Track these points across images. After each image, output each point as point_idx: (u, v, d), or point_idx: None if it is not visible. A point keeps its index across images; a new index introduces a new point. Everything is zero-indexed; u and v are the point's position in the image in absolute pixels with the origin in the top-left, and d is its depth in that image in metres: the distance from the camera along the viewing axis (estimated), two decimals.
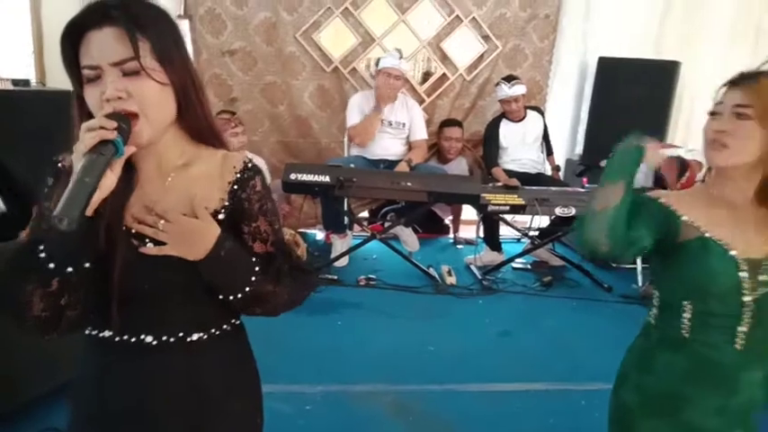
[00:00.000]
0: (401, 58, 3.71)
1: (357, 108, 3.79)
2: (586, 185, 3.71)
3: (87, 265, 0.84)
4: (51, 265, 0.81)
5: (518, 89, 3.87)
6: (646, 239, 1.07)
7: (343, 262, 3.69)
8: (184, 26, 3.95)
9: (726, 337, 1.06)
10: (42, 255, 0.81)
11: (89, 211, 0.77)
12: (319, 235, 4.19)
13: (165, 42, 0.86)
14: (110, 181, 0.79)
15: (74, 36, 0.83)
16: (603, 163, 3.72)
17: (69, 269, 0.82)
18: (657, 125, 4.00)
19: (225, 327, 0.98)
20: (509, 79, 3.90)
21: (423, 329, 2.92)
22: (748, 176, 1.04)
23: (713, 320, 1.07)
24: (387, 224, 3.89)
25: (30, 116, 2.83)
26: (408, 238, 3.87)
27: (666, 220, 1.08)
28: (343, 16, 4.09)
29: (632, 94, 3.97)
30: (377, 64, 3.77)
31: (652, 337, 1.17)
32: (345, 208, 3.68)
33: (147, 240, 0.88)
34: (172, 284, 0.91)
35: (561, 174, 4.35)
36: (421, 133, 3.91)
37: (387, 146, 3.82)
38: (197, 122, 0.93)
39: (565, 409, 2.31)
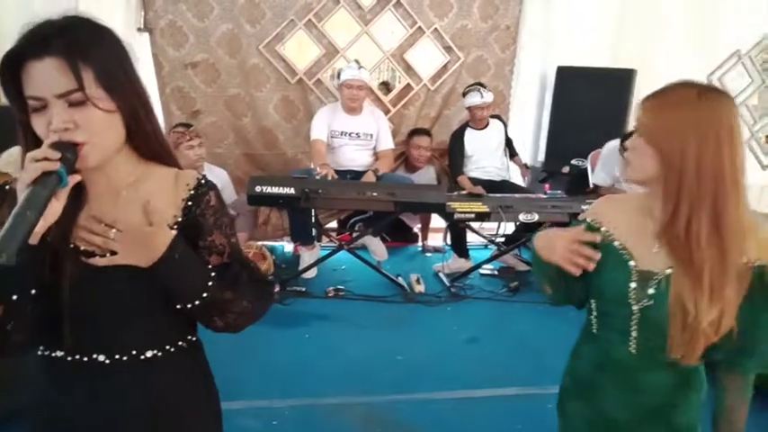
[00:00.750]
0: (360, 67, 3.73)
1: (322, 122, 3.80)
2: (548, 192, 3.80)
3: (33, 291, 0.84)
4: None
5: (489, 96, 3.95)
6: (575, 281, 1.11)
7: (312, 273, 3.67)
8: (144, 40, 3.91)
9: (622, 339, 1.10)
10: None
11: (33, 240, 0.77)
12: (287, 247, 4.16)
13: (110, 68, 0.84)
14: (54, 209, 0.79)
15: (14, 66, 0.81)
16: (566, 169, 3.84)
17: (14, 297, 0.82)
18: (615, 131, 4.10)
19: (180, 343, 0.98)
20: (481, 86, 3.97)
21: (392, 339, 2.93)
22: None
23: (610, 321, 1.12)
24: (355, 234, 3.89)
25: None
26: (377, 247, 3.88)
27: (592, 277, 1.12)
28: (307, 28, 4.10)
29: (591, 102, 4.08)
30: (338, 77, 3.78)
31: (584, 327, 1.23)
32: (313, 219, 3.67)
33: (99, 256, 0.88)
34: (123, 301, 0.90)
35: (526, 181, 4.44)
36: (387, 143, 3.93)
37: (354, 157, 3.83)
38: (147, 142, 0.92)
39: (532, 413, 2.33)
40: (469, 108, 3.99)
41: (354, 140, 3.84)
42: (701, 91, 1.02)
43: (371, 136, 3.88)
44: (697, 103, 1.00)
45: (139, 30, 3.88)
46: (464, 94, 4.02)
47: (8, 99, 0.84)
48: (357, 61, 3.82)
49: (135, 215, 0.89)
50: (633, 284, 1.06)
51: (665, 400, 1.10)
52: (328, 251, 3.72)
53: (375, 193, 3.36)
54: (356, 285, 3.54)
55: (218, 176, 3.64)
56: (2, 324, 0.83)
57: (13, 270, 0.77)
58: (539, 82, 4.52)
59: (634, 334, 1.08)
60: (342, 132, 3.81)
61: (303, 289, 3.44)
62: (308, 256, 3.73)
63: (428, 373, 2.60)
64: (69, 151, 0.80)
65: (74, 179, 0.81)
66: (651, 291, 1.05)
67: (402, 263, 4.06)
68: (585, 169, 4.04)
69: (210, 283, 0.91)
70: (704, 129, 0.99)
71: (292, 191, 3.21)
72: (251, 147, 4.22)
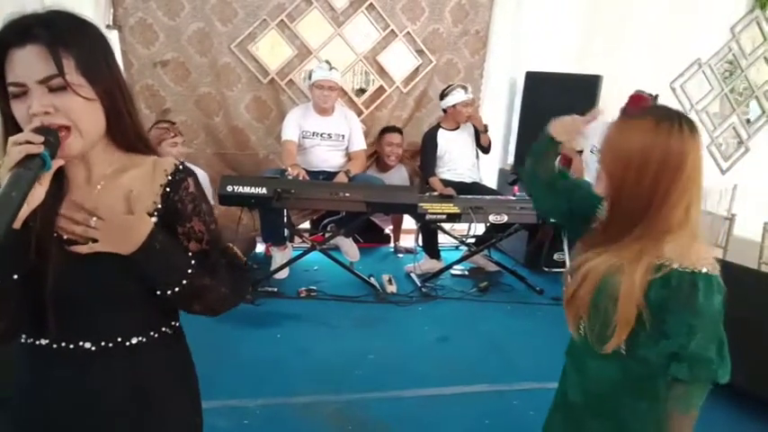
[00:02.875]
0: (331, 68, 3.74)
1: (294, 123, 3.79)
2: (517, 194, 3.87)
3: (15, 276, 0.85)
4: None
5: (471, 95, 4.02)
6: (564, 192, 1.25)
7: (284, 274, 3.67)
8: (113, 37, 3.85)
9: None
10: None
11: (17, 224, 0.78)
12: (259, 247, 4.14)
13: (91, 57, 0.86)
14: (38, 194, 0.80)
15: None
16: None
17: None
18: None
19: (164, 329, 1.00)
20: (461, 85, 4.00)
21: (363, 338, 2.95)
22: None
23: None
24: (327, 235, 3.89)
25: None
26: (349, 248, 3.90)
27: (591, 199, 1.20)
28: (279, 28, 4.09)
29: (558, 106, 4.09)
30: (309, 77, 3.79)
31: None
32: (285, 220, 3.67)
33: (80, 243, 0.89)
34: (108, 288, 0.92)
35: (495, 182, 4.52)
36: (359, 144, 3.96)
37: (326, 157, 3.84)
38: (126, 133, 0.94)
39: (500, 409, 2.40)
40: (453, 106, 3.98)
41: (326, 141, 3.85)
42: (660, 120, 1.04)
43: (343, 137, 3.89)
44: (652, 130, 1.03)
45: (108, 27, 3.81)
46: (445, 95, 4.01)
47: None
48: (328, 62, 3.83)
49: (115, 203, 0.91)
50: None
51: (610, 392, 1.13)
52: (300, 252, 3.72)
53: (348, 194, 3.37)
54: (328, 286, 3.55)
55: (198, 175, 3.61)
56: None
57: None
58: (508, 86, 4.61)
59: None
60: (313, 133, 3.82)
61: (275, 289, 3.44)
62: (279, 256, 3.72)
63: (399, 371, 2.63)
64: (52, 136, 0.81)
65: (57, 163, 0.82)
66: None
67: (374, 263, 4.09)
68: None
69: (190, 270, 0.92)
70: (647, 156, 1.02)
71: (264, 191, 3.20)
72: (222, 146, 4.19)
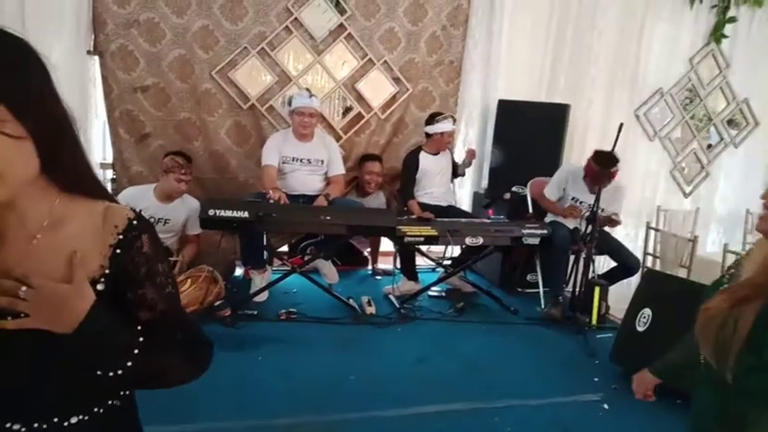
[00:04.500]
0: (311, 96, 3.84)
1: (274, 149, 3.86)
2: (491, 216, 4.00)
3: None
4: None
5: (455, 126, 4.23)
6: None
7: (264, 297, 3.69)
8: (94, 63, 3.89)
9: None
10: None
11: None
12: (238, 270, 4.16)
13: (19, 90, 0.72)
14: None
15: None
16: (507, 195, 4.14)
17: None
18: (552, 160, 4.41)
19: (111, 402, 0.86)
20: (449, 116, 4.17)
21: (344, 359, 2.99)
22: None
23: None
24: (306, 258, 3.94)
25: None
26: (328, 270, 3.95)
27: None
28: (260, 56, 4.19)
29: (529, 133, 4.35)
30: (289, 103, 3.88)
31: None
32: (264, 243, 3.71)
33: (9, 317, 0.74)
34: (38, 366, 0.78)
35: (469, 205, 4.66)
36: (338, 169, 4.04)
37: (306, 182, 3.91)
38: (67, 173, 0.79)
39: (479, 426, 2.46)
40: (441, 134, 4.12)
41: (306, 166, 3.93)
42: None
43: (322, 162, 3.98)
44: None
45: (89, 52, 3.86)
46: (435, 121, 4.12)
47: None
48: (308, 89, 3.94)
49: (52, 266, 0.76)
50: None
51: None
52: (280, 275, 3.75)
53: (328, 217, 3.44)
54: (308, 308, 3.59)
55: (190, 206, 3.65)
56: None
57: None
58: (481, 113, 4.77)
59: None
60: (293, 158, 3.89)
61: (255, 312, 3.46)
62: (259, 279, 3.75)
63: (380, 391, 2.67)
64: None
65: None
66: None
67: (353, 286, 4.15)
68: (525, 196, 4.30)
69: (136, 351, 0.80)
70: None
71: (246, 214, 3.25)
72: (201, 171, 4.22)
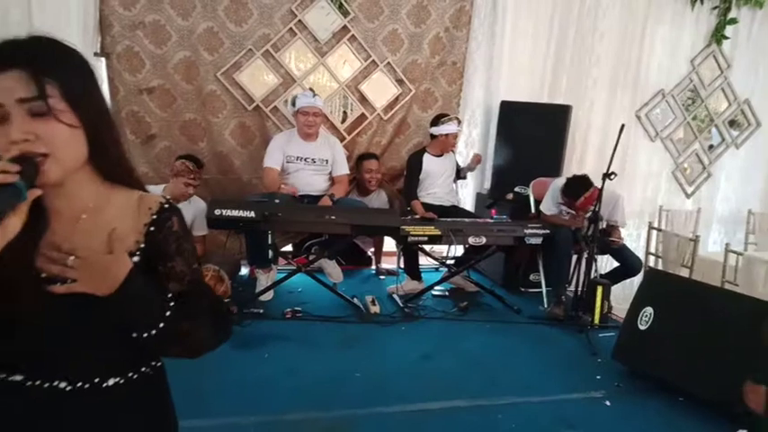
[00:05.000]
0: (315, 95, 3.88)
1: (277, 149, 3.91)
2: (494, 216, 4.03)
3: None
4: None
5: (460, 128, 4.25)
6: None
7: (269, 296, 3.72)
8: (101, 64, 3.93)
9: None
10: None
11: None
12: (244, 270, 4.19)
13: (75, 84, 0.84)
14: (13, 225, 0.78)
15: None
16: (510, 196, 4.17)
17: None
18: (553, 161, 4.44)
19: (144, 369, 0.96)
20: (454, 118, 4.20)
21: (349, 357, 3.02)
22: None
23: None
24: (311, 257, 3.98)
25: None
26: (332, 270, 3.98)
27: None
28: (264, 58, 4.22)
29: (531, 134, 4.39)
30: (293, 104, 3.92)
31: None
32: (270, 242, 3.74)
33: (59, 282, 0.85)
34: (84, 328, 0.89)
35: (472, 206, 4.68)
36: (342, 168, 4.08)
37: (310, 182, 3.94)
38: (110, 163, 0.91)
39: (482, 423, 2.49)
40: (446, 135, 4.15)
41: (310, 165, 3.96)
42: None
43: (327, 161, 4.01)
44: None
45: (96, 54, 3.89)
46: (440, 123, 4.15)
47: None
48: (312, 89, 3.98)
49: (95, 241, 0.87)
50: None
51: None
52: (285, 274, 3.78)
53: (333, 217, 3.48)
54: (313, 307, 3.62)
55: (197, 207, 3.69)
56: None
57: None
58: (484, 114, 4.81)
59: None
60: (297, 157, 3.93)
61: (261, 311, 3.49)
62: (264, 278, 3.79)
63: (385, 388, 2.70)
64: (30, 165, 0.79)
65: (33, 193, 0.80)
66: None
67: (357, 285, 4.18)
68: (527, 196, 4.33)
69: (168, 314, 0.89)
70: None
71: (252, 214, 3.28)
72: (206, 171, 4.23)
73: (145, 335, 0.88)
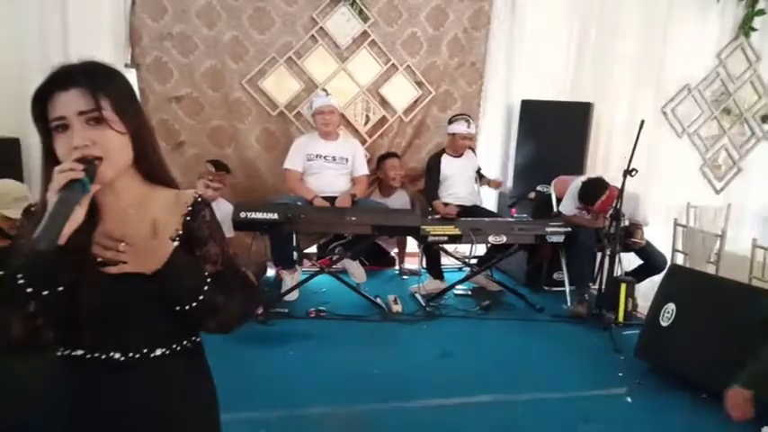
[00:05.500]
0: (328, 95, 4.01)
1: (298, 151, 4.02)
2: (515, 215, 4.05)
3: (60, 288, 0.96)
4: (29, 290, 0.94)
5: (474, 128, 4.27)
6: None
7: (294, 296, 3.82)
8: (132, 75, 4.10)
9: None
10: (21, 281, 0.94)
11: (61, 240, 0.89)
12: (270, 271, 4.30)
13: (122, 99, 1.01)
14: (78, 214, 0.92)
15: (43, 97, 0.98)
16: (532, 195, 4.16)
17: (45, 292, 0.95)
18: (576, 159, 4.43)
19: (185, 343, 1.11)
20: (468, 117, 4.24)
21: (371, 354, 3.08)
22: None
23: None
24: (335, 258, 4.06)
25: None
26: (356, 270, 4.06)
27: None
28: (287, 65, 4.34)
29: (553, 133, 4.39)
30: (311, 108, 4.04)
31: None
32: (294, 244, 3.84)
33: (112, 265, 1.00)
34: (134, 304, 1.04)
35: (494, 206, 4.71)
36: (362, 169, 4.15)
37: (332, 182, 4.02)
38: (151, 166, 1.07)
39: (502, 418, 2.51)
40: (453, 134, 4.23)
41: (331, 164, 4.04)
42: None
43: (347, 160, 4.09)
44: None
45: (127, 66, 4.06)
46: (450, 121, 4.26)
47: (35, 124, 1.01)
48: (325, 90, 4.10)
49: (141, 230, 1.01)
50: None
51: None
52: (309, 275, 3.87)
53: (354, 218, 3.55)
54: (336, 306, 3.70)
55: (225, 210, 3.81)
56: (33, 320, 0.97)
57: (45, 266, 0.93)
58: (505, 114, 4.82)
59: None
60: (317, 155, 4.02)
61: (286, 310, 3.58)
62: (289, 279, 3.88)
63: (406, 384, 2.75)
64: (90, 165, 0.95)
65: (95, 188, 0.95)
66: None
67: (380, 285, 4.24)
68: (549, 195, 4.33)
69: (206, 288, 1.04)
70: None
71: (276, 216, 3.39)
72: (233, 176, 4.37)
73: (187, 307, 1.03)
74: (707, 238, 4.04)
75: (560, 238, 3.85)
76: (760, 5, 4.98)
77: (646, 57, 4.88)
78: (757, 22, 5.02)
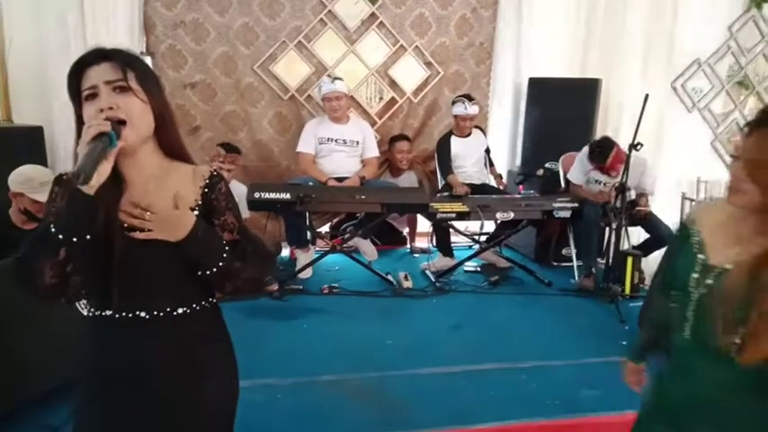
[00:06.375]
0: (335, 80, 4.09)
1: (310, 134, 4.13)
2: (522, 192, 4.12)
3: (88, 237, 1.04)
4: (60, 237, 1.03)
5: (474, 109, 4.29)
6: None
7: (308, 273, 3.95)
8: (147, 63, 4.22)
9: (681, 324, 1.18)
10: (53, 230, 1.03)
11: (90, 190, 1.00)
12: (284, 251, 4.44)
13: (147, 76, 1.14)
14: (105, 168, 1.02)
15: (77, 71, 1.11)
16: (540, 172, 4.21)
17: (74, 239, 1.03)
18: (584, 135, 4.46)
19: (204, 303, 1.22)
20: (469, 99, 4.28)
21: (382, 326, 3.20)
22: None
23: (677, 309, 1.20)
24: (346, 236, 4.17)
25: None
26: (367, 248, 4.18)
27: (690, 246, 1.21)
28: (297, 49, 4.43)
29: (561, 109, 4.42)
30: (320, 92, 4.15)
31: None
32: (307, 223, 3.96)
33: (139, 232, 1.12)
34: (159, 267, 1.15)
35: (504, 180, 4.77)
36: (372, 151, 4.25)
37: (343, 163, 4.14)
38: (170, 141, 1.18)
39: (506, 383, 2.62)
40: (456, 116, 4.31)
41: (341, 146, 4.15)
42: None
43: (357, 143, 4.19)
44: None
45: (142, 53, 4.19)
46: (453, 103, 4.34)
47: (69, 95, 1.13)
48: (330, 75, 4.19)
49: (163, 201, 1.12)
50: (695, 274, 1.14)
51: (720, 396, 1.13)
52: (322, 253, 4.00)
53: (364, 197, 3.66)
54: (349, 283, 3.82)
55: (239, 192, 3.94)
56: (63, 266, 1.04)
57: (74, 215, 1.03)
58: (513, 93, 4.86)
59: (690, 319, 1.15)
60: (328, 138, 4.13)
61: (300, 287, 3.72)
62: (303, 257, 4.01)
63: (415, 353, 2.87)
64: (115, 125, 1.05)
65: (120, 144, 1.05)
66: (709, 281, 1.12)
67: (391, 263, 4.35)
68: (557, 172, 4.38)
69: (225, 254, 1.15)
70: None
71: (288, 196, 3.51)
72: (247, 159, 4.51)
73: (207, 272, 1.14)
74: None
75: (567, 214, 3.91)
76: None
77: (655, 31, 4.86)
78: None
